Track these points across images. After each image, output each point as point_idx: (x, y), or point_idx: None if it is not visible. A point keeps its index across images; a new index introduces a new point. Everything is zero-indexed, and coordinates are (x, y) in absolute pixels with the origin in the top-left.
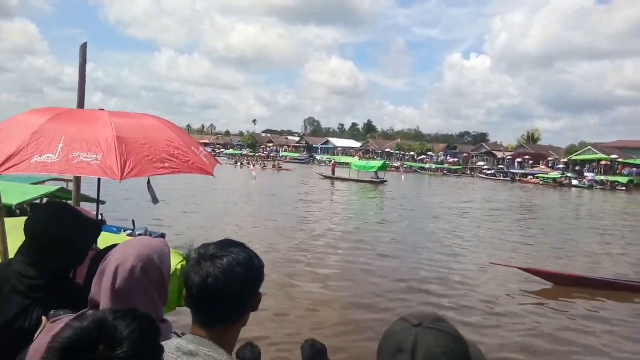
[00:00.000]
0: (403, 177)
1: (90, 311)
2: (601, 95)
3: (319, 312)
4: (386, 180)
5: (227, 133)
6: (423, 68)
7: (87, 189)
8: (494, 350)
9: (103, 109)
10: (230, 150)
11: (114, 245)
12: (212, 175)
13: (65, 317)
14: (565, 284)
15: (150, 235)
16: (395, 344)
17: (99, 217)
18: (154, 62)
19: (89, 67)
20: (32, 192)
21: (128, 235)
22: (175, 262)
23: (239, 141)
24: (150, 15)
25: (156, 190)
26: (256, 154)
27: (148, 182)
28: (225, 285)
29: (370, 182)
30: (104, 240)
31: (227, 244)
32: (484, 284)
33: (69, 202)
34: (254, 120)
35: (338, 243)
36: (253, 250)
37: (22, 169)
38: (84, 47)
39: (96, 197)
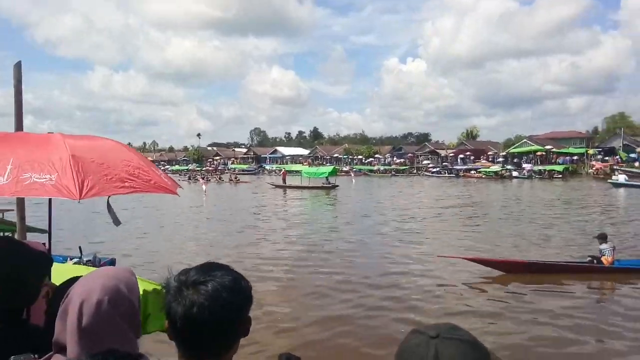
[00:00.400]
0: (354, 180)
1: (56, 355)
2: (530, 91)
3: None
4: (338, 185)
5: (171, 149)
6: (363, 74)
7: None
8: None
9: (52, 133)
10: (176, 167)
11: (73, 280)
12: (177, 194)
13: None
14: (510, 271)
15: (100, 261)
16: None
17: (43, 246)
18: (88, 81)
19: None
20: None
21: (75, 263)
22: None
23: (184, 156)
24: (81, 33)
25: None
26: (203, 169)
27: (108, 203)
28: (213, 313)
29: (322, 187)
30: (54, 272)
31: (208, 268)
32: (434, 277)
33: (8, 234)
34: (199, 134)
35: (295, 249)
36: (237, 271)
37: None
38: (18, 66)
39: (48, 225)
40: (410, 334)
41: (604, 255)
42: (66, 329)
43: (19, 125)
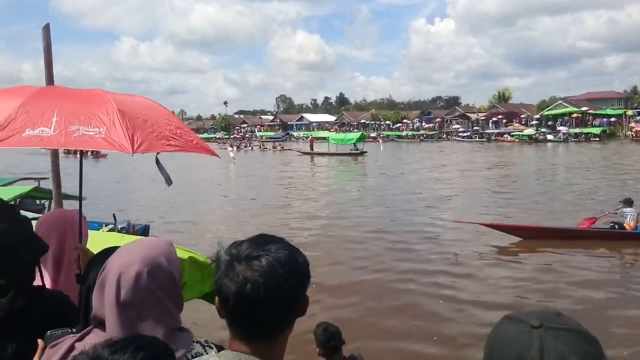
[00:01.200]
0: (382, 147)
1: (95, 330)
2: (565, 50)
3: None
4: (366, 152)
5: (199, 117)
6: (390, 36)
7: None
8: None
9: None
10: (205, 135)
11: (109, 250)
12: (218, 156)
13: (66, 340)
14: (528, 237)
15: (133, 227)
16: (516, 353)
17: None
18: (115, 51)
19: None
20: (3, 194)
21: (110, 230)
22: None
23: (212, 125)
24: (106, 3)
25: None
26: (231, 136)
27: (157, 160)
28: (268, 291)
29: (350, 154)
30: (91, 240)
31: (263, 241)
32: (453, 242)
33: (44, 202)
34: (225, 102)
35: (321, 219)
36: (293, 245)
37: (13, 144)
38: (46, 28)
39: (79, 190)
40: (506, 322)
41: (626, 220)
42: (104, 303)
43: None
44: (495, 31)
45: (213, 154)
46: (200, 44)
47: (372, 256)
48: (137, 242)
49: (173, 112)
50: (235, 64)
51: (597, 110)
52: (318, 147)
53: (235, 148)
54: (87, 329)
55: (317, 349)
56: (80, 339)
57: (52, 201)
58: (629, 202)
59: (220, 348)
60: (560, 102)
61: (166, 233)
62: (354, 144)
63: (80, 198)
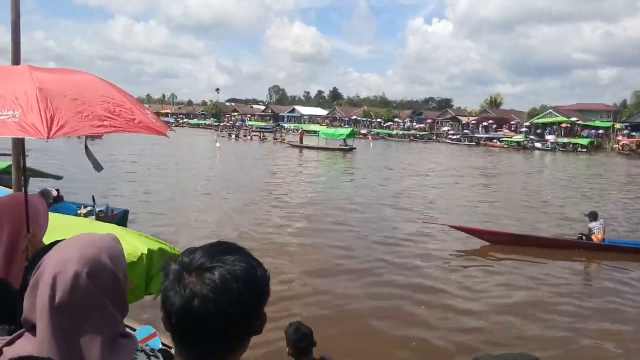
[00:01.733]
0: (371, 144)
1: (26, 334)
2: (560, 59)
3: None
4: (355, 148)
5: (190, 103)
6: (387, 34)
7: (44, 164)
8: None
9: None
10: (195, 121)
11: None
12: (166, 135)
13: None
14: (495, 241)
15: (112, 211)
16: None
17: (55, 193)
18: (108, 30)
19: (38, 35)
20: None
21: (88, 212)
22: (141, 245)
23: (202, 111)
24: None
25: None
26: (221, 124)
27: (85, 145)
28: (218, 308)
29: (339, 149)
30: (56, 226)
31: (219, 250)
32: (425, 243)
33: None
34: (217, 89)
35: (310, 209)
36: (254, 256)
37: None
38: None
39: (23, 177)
40: None
41: (593, 233)
42: (36, 306)
43: (16, 61)
44: (493, 37)
45: (159, 133)
46: (196, 29)
47: (349, 256)
48: (77, 237)
49: (162, 98)
50: (229, 51)
51: (586, 121)
52: (308, 141)
53: (233, 137)
54: (19, 332)
55: (287, 349)
56: (9, 344)
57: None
58: (593, 216)
59: (168, 356)
60: (550, 110)
61: (143, 220)
62: (344, 139)
63: (25, 184)
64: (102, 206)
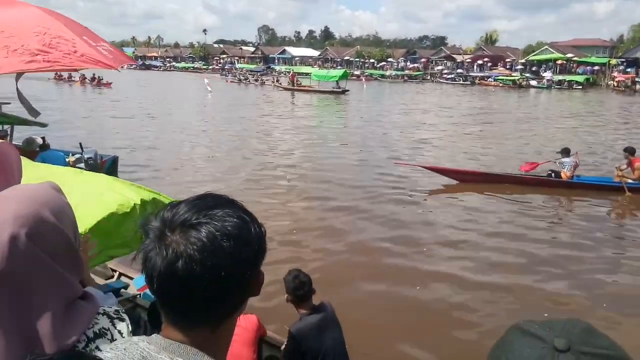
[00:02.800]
0: (365, 86)
1: None
2: None
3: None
4: (348, 90)
5: (177, 45)
6: None
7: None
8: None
9: None
10: (182, 64)
11: None
12: (116, 69)
13: None
14: (464, 180)
15: (101, 158)
16: None
17: (41, 141)
18: None
19: None
20: None
21: (77, 160)
22: (133, 195)
23: (190, 53)
24: None
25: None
26: (209, 67)
27: (17, 89)
28: (206, 270)
29: (332, 92)
30: (44, 177)
31: (207, 203)
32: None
33: (7, 127)
34: (205, 31)
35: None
36: (247, 209)
37: None
38: None
39: (36, 121)
40: (519, 337)
41: (563, 169)
42: None
43: None
44: None
45: (106, 66)
46: None
47: (334, 197)
48: (11, 191)
49: (148, 40)
50: None
51: (582, 57)
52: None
53: (238, 79)
54: None
55: (286, 296)
56: None
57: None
58: (566, 152)
59: (134, 315)
60: (546, 47)
61: (133, 167)
62: (337, 81)
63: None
64: (91, 153)
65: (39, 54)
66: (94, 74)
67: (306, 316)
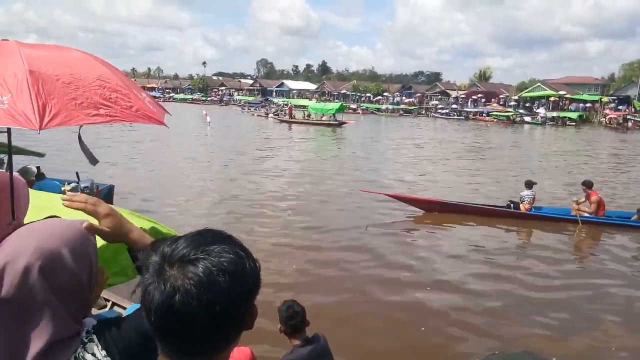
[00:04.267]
0: (362, 118)
1: None
2: (549, 32)
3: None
4: (345, 123)
5: (176, 77)
6: (376, 5)
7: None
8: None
9: (7, 39)
10: (181, 95)
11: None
12: (164, 124)
13: None
14: (428, 210)
15: (97, 187)
16: None
17: (36, 170)
18: (90, 0)
19: (17, 7)
20: None
21: (73, 189)
22: (137, 223)
23: (189, 85)
24: None
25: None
26: (208, 99)
27: (79, 137)
28: (202, 304)
29: (329, 124)
30: (41, 205)
31: (205, 239)
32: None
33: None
34: (204, 63)
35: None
36: (244, 245)
37: None
38: None
39: (33, 151)
40: None
41: (523, 201)
42: None
43: None
44: (483, 8)
45: (157, 122)
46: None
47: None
48: (42, 223)
49: (148, 72)
50: (215, 23)
51: (574, 94)
52: (297, 116)
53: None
54: None
55: (279, 326)
56: None
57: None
58: (529, 185)
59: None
60: (539, 84)
61: (129, 196)
62: (334, 114)
63: (10, 164)
64: (87, 182)
65: (101, 108)
66: None
67: (298, 348)
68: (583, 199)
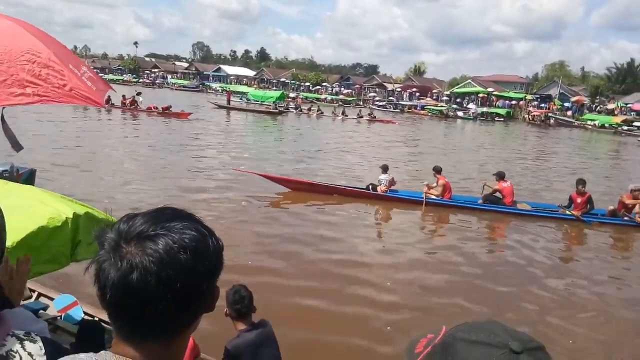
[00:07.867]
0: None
1: None
2: (481, 31)
3: None
4: (285, 111)
5: (105, 56)
6: None
7: None
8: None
9: None
10: (110, 76)
11: None
12: (102, 105)
13: None
14: (295, 188)
15: (17, 171)
16: None
17: None
18: None
19: None
20: None
21: None
22: (65, 209)
23: (119, 66)
24: None
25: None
26: (140, 80)
27: (2, 119)
28: (161, 282)
29: (268, 112)
30: None
31: (165, 216)
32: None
33: None
34: (136, 43)
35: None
36: (205, 223)
37: None
38: None
39: None
40: (467, 346)
41: (380, 184)
42: None
43: None
44: (421, 5)
45: (95, 103)
46: None
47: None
48: None
49: (74, 50)
50: (149, 2)
51: (501, 92)
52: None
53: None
54: None
55: (225, 309)
56: None
57: None
58: (385, 169)
59: (92, 325)
60: (469, 81)
61: (55, 181)
62: (274, 102)
63: None
64: (6, 165)
65: (28, 86)
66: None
67: (244, 332)
68: (435, 184)
